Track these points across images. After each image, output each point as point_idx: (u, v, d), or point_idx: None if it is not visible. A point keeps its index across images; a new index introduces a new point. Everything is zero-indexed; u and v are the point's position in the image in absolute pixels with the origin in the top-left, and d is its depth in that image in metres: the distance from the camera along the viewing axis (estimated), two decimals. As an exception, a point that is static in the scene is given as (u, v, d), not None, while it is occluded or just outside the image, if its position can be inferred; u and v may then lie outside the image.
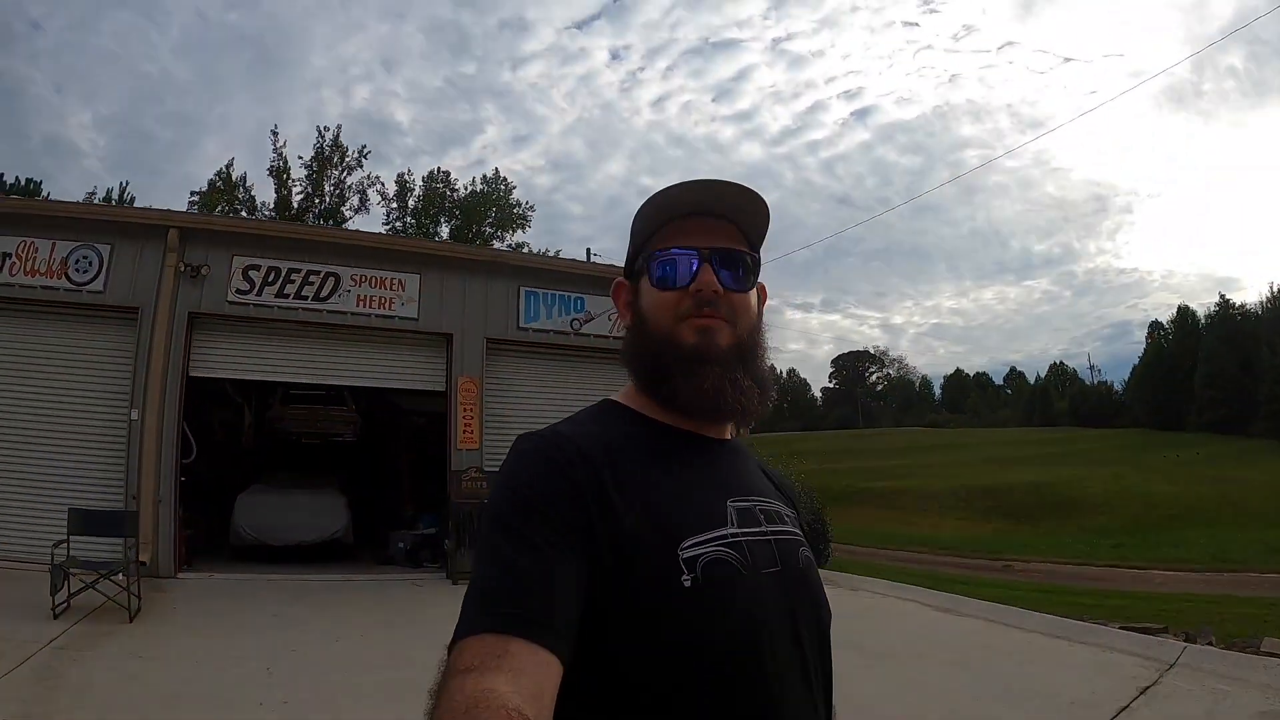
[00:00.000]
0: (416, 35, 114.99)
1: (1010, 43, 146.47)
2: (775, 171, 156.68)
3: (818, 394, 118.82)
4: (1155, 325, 76.05)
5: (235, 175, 34.66)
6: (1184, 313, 71.76)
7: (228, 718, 4.67)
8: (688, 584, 0.89)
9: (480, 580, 0.85)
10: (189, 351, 9.81)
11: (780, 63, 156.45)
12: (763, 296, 1.15)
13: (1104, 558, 22.92)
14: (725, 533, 0.96)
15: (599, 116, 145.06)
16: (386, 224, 35.91)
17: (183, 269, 9.67)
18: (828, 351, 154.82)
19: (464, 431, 10.39)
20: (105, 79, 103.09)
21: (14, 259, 9.35)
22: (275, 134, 34.43)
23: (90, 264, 9.47)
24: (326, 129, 36.98)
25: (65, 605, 6.84)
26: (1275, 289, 64.24)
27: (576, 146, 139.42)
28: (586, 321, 11.40)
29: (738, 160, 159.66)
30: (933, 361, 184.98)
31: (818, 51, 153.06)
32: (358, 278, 10.45)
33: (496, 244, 34.98)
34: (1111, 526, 28.18)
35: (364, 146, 37.01)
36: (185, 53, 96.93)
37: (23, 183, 41.03)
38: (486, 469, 10.09)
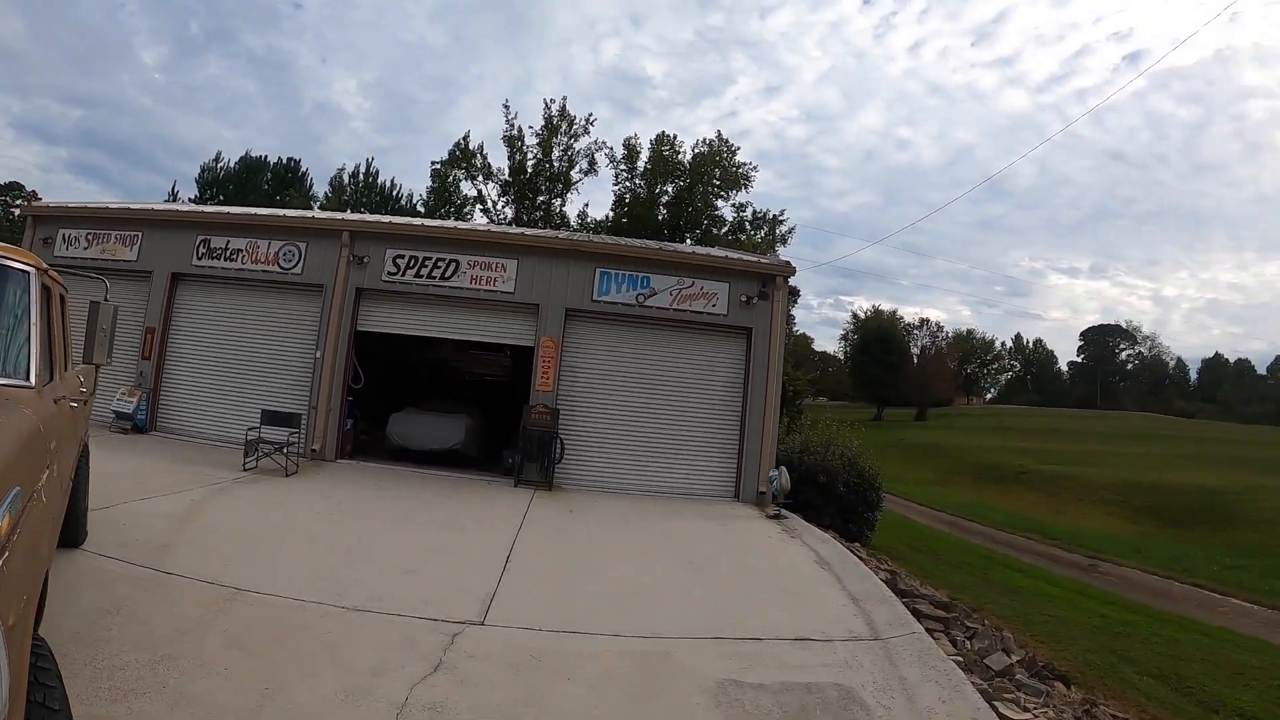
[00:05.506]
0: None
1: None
2: (1040, 122, 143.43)
3: (1064, 367, 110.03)
4: None
5: (473, 145, 38.35)
6: None
7: (290, 519, 8.84)
8: None
9: None
10: (356, 314, 14.22)
11: (1043, 1, 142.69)
12: None
13: (1201, 575, 20.57)
14: None
15: (852, 65, 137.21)
16: (616, 184, 37.82)
17: (352, 258, 14.04)
18: (1089, 321, 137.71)
19: (542, 377, 13.90)
20: (366, 48, 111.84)
21: (244, 253, 14.33)
22: (507, 106, 38.34)
23: (292, 256, 14.20)
24: (552, 100, 39.18)
25: (254, 466, 11.47)
26: None
27: (830, 97, 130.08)
28: (650, 297, 14.26)
29: (999, 110, 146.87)
30: (1207, 341, 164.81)
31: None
32: (472, 262, 14.18)
33: (720, 203, 36.80)
34: (1257, 546, 24.20)
35: (590, 114, 38.93)
36: (439, 19, 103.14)
37: (284, 161, 49.86)
38: (554, 406, 13.65)
